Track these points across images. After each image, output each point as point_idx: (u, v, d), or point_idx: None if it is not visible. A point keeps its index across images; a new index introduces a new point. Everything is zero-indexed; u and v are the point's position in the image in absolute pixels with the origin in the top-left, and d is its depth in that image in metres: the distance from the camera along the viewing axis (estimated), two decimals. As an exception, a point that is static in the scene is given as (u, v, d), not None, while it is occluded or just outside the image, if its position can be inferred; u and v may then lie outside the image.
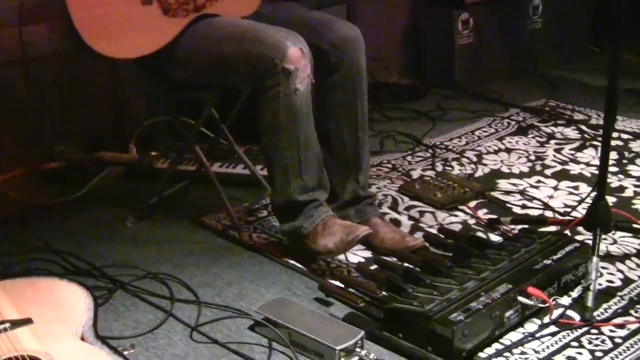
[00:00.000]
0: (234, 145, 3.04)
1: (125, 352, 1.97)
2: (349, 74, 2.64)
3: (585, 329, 2.29)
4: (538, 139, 3.72)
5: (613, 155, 3.47)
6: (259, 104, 2.50)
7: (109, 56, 2.46)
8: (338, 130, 2.69)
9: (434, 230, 2.83)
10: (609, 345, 2.22)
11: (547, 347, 2.21)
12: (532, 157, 3.52)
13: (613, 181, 3.25)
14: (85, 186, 3.10)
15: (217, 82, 2.65)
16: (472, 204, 3.07)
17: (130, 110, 3.50)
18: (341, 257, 2.62)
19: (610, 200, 3.01)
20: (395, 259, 2.59)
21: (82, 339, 1.99)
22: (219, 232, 2.83)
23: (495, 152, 3.58)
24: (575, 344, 2.23)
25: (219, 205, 2.85)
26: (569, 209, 3.00)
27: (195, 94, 2.75)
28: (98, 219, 2.92)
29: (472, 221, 2.93)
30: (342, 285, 2.44)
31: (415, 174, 3.34)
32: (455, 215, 2.98)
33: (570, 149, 3.60)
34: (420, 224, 2.90)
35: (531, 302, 2.27)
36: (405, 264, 2.52)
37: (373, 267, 2.58)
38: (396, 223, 2.86)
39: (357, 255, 2.67)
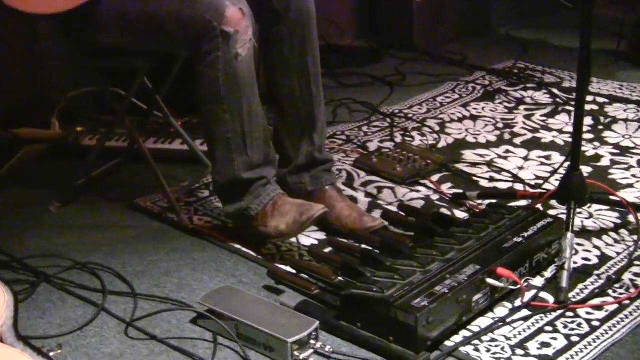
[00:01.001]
0: (169, 118, 3.01)
1: (52, 354, 1.95)
2: (296, 22, 2.63)
3: (559, 312, 2.31)
4: (506, 104, 3.75)
5: (588, 121, 3.50)
6: (196, 71, 2.48)
7: (17, 10, 2.42)
8: (289, 87, 2.68)
9: (393, 208, 2.84)
10: (586, 329, 2.25)
11: (519, 333, 2.24)
12: (500, 125, 3.54)
13: (588, 149, 3.28)
14: (1, 167, 3.06)
15: (150, 47, 2.62)
16: (435, 177, 3.08)
17: (52, 81, 3.45)
18: (292, 239, 2.63)
19: (586, 170, 3.05)
20: (351, 241, 2.60)
21: (1, 340, 1.96)
22: (155, 215, 2.82)
23: (460, 120, 3.60)
24: (549, 328, 2.25)
25: (154, 186, 2.83)
26: (540, 181, 3.02)
27: (125, 61, 2.71)
28: (17, 204, 2.89)
29: (435, 197, 2.95)
30: (294, 271, 2.44)
31: (372, 146, 3.34)
32: (417, 191, 2.99)
33: (541, 115, 3.63)
34: (379, 201, 2.91)
35: (501, 284, 2.29)
36: (363, 246, 2.53)
37: (327, 249, 2.58)
38: (352, 201, 2.86)
39: (310, 237, 2.67)
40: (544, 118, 3.60)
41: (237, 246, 2.62)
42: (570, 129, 3.28)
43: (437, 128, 3.52)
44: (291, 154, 2.74)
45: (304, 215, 2.47)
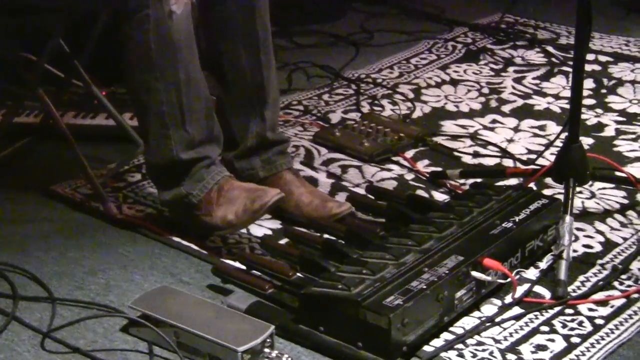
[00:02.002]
0: (91, 87, 2.99)
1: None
2: None
3: (557, 308, 2.34)
4: (492, 66, 3.77)
5: (588, 83, 3.54)
6: (122, 33, 2.47)
7: None
8: (233, 54, 2.68)
9: (361, 190, 2.86)
10: (588, 328, 2.28)
11: (511, 335, 2.25)
12: (486, 90, 3.57)
13: (589, 117, 3.32)
14: None
15: (65, 3, 2.60)
16: (410, 153, 3.09)
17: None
18: (242, 230, 2.63)
19: (586, 142, 3.08)
20: (312, 230, 2.60)
21: None
22: (76, 204, 2.81)
23: (438, 86, 3.62)
24: (545, 328, 2.27)
25: (74, 169, 2.82)
26: (533, 156, 3.05)
27: (36, 20, 2.69)
28: None
29: (409, 176, 2.96)
30: (244, 267, 2.44)
31: (335, 118, 3.35)
32: (389, 170, 3.01)
33: (533, 78, 3.66)
34: (343, 182, 2.92)
35: (488, 278, 2.31)
36: (326, 236, 2.54)
37: (283, 241, 2.59)
38: (311, 182, 2.88)
39: (263, 226, 2.68)
40: (537, 81, 3.63)
41: (176, 239, 2.61)
42: (567, 93, 3.29)
43: (411, 95, 3.53)
44: (238, 134, 2.73)
45: (256, 202, 2.47)
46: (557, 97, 3.49)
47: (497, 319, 2.30)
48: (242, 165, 2.74)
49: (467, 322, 2.29)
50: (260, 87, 2.70)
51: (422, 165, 3.02)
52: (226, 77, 2.70)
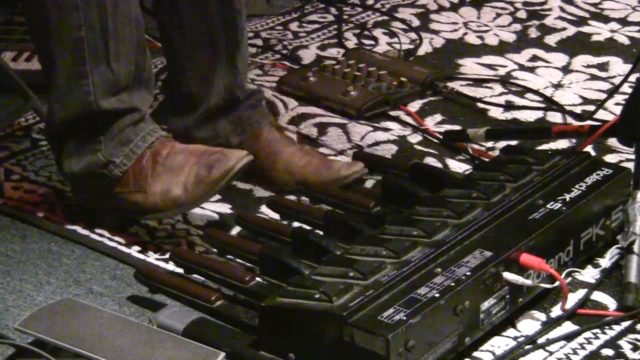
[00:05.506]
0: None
1: None
2: None
3: (626, 324, 2.34)
4: (531, -22, 3.79)
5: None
6: None
7: None
8: None
9: (347, 158, 2.86)
10: (670, 350, 2.30)
11: (560, 361, 2.28)
12: (522, 14, 3.57)
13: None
14: None
15: None
16: (415, 106, 3.11)
17: None
18: (176, 216, 2.64)
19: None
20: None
21: None
22: None
23: (454, 8, 3.64)
24: (609, 352, 2.27)
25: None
26: (591, 107, 3.06)
27: None
28: None
29: (415, 138, 2.98)
30: (180, 270, 2.45)
31: (308, 56, 3.38)
32: (385, 129, 3.02)
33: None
34: (321, 148, 2.95)
35: (528, 282, 2.31)
36: (296, 224, 2.56)
37: (235, 231, 2.60)
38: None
39: (206, 210, 2.69)
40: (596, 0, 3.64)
41: (83, 231, 2.62)
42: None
43: (415, 22, 3.54)
44: (197, 91, 2.77)
45: (215, 168, 2.49)
46: (624, 21, 3.49)
47: (541, 340, 2.30)
48: (204, 135, 2.77)
49: (498, 343, 2.29)
50: (230, 23, 2.74)
51: (433, 123, 3.04)
52: (180, 11, 2.72)
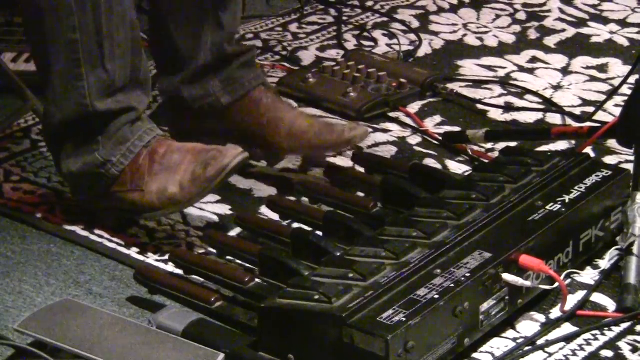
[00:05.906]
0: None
1: None
2: None
3: (625, 325, 2.34)
4: (531, -20, 3.78)
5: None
6: None
7: None
8: None
9: (345, 161, 2.86)
10: (670, 352, 2.29)
11: (560, 363, 2.28)
12: (522, 16, 3.56)
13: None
14: None
15: None
16: (414, 107, 3.11)
17: None
18: (175, 215, 2.64)
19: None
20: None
21: None
22: None
23: (453, 9, 3.64)
24: (608, 354, 2.27)
25: None
26: (590, 109, 3.06)
27: None
28: None
29: (414, 139, 2.98)
30: (180, 271, 2.44)
31: (308, 57, 3.36)
32: (385, 130, 3.02)
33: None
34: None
35: (527, 283, 2.31)
36: (296, 225, 2.55)
37: (235, 232, 2.60)
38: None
39: (204, 211, 2.68)
40: (596, 1, 3.65)
41: (83, 232, 2.62)
42: (639, 18, 3.32)
43: (415, 24, 3.53)
44: (184, 49, 2.76)
45: (210, 165, 2.49)
46: (623, 23, 3.49)
47: (540, 341, 2.30)
48: (194, 93, 2.77)
49: (498, 345, 2.29)
50: None
51: (432, 124, 3.03)
52: None
